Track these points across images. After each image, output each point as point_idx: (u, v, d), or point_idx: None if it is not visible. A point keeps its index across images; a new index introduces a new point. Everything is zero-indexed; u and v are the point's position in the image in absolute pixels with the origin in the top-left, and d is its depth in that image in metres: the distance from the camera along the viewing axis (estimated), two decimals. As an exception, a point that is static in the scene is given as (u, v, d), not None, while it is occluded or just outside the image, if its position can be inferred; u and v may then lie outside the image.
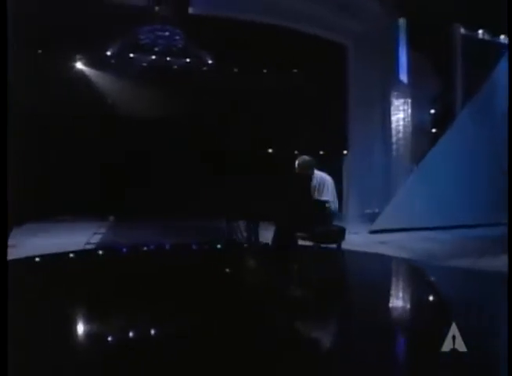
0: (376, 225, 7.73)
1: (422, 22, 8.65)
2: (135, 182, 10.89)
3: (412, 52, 9.13)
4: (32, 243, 6.60)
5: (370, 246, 6.94)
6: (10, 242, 6.46)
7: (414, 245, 6.82)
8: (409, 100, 8.85)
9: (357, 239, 7.65)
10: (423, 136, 9.15)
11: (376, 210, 8.35)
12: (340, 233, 4.18)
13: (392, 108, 8.92)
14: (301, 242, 4.17)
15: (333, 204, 4.24)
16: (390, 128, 8.86)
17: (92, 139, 11.23)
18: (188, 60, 12.56)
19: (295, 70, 12.63)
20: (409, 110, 8.87)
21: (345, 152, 9.32)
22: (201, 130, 12.39)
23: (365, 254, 5.62)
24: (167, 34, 11.73)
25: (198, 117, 12.41)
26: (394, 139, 8.84)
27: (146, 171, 11.25)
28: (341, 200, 9.47)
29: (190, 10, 8.69)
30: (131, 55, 12.16)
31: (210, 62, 12.73)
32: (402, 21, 9.28)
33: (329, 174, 9.58)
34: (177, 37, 11.86)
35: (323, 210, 3.95)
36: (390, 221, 7.60)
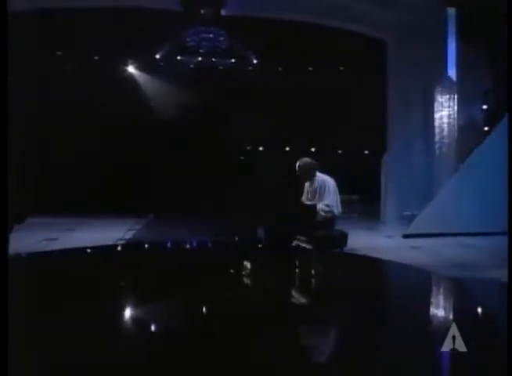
0: (411, 229, 7.32)
1: (472, 10, 8.05)
2: (187, 181, 11.15)
3: (461, 43, 8.51)
4: (72, 237, 7.09)
5: (400, 250, 6.62)
6: (51, 236, 6.98)
7: (448, 251, 6.38)
8: (455, 96, 8.25)
9: (388, 242, 7.33)
10: (473, 134, 8.51)
11: (416, 212, 7.91)
12: (342, 239, 4.02)
13: (436, 105, 8.38)
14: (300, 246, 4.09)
15: (336, 208, 4.08)
16: (433, 126, 8.34)
17: (146, 139, 11.82)
18: (233, 61, 12.76)
19: (341, 68, 12.36)
20: (455, 107, 8.27)
21: (385, 151, 8.94)
22: (249, 130, 12.53)
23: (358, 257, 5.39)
24: (211, 35, 12.01)
25: (244, 116, 12.51)
26: (437, 138, 8.31)
27: (189, 170, 11.57)
28: (379, 202, 9.13)
29: (223, 12, 8.76)
30: (179, 57, 12.58)
31: (255, 61, 12.82)
32: (450, 11, 8.67)
33: (369, 174, 9.27)
34: (221, 39, 12.09)
35: (314, 214, 3.82)
36: (426, 225, 7.16)
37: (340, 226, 8.91)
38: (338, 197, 4.17)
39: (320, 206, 3.97)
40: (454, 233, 6.91)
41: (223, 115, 12.58)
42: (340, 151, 11.89)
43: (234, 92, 12.41)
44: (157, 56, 12.44)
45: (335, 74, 11.57)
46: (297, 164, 4.10)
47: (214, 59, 12.66)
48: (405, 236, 7.36)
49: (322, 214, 3.93)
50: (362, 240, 7.35)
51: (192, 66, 12.82)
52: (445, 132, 8.36)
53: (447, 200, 7.22)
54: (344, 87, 10.85)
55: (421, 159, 8.52)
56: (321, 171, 4.19)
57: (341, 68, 11.88)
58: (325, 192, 4.00)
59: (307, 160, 4.15)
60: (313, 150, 11.61)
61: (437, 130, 8.40)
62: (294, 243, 4.02)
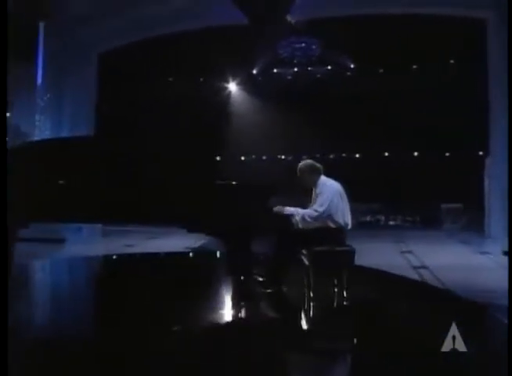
0: (513, 245, 5.90)
1: None
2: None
3: None
4: (149, 243, 7.67)
5: (486, 271, 5.44)
6: (129, 242, 7.63)
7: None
8: None
9: (477, 260, 6.10)
10: None
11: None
12: (346, 256, 3.40)
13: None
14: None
15: (341, 218, 3.46)
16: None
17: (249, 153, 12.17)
18: (329, 67, 12.38)
19: (451, 61, 10.94)
20: None
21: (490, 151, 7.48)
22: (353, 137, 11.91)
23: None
24: (303, 45, 11.88)
25: (347, 122, 11.96)
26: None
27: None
28: (483, 211, 7.67)
29: (289, 17, 8.56)
30: (275, 70, 12.71)
31: (352, 66, 12.21)
32: None
33: (475, 178, 7.89)
34: (313, 47, 11.86)
35: (285, 222, 3.30)
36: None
37: (430, 239, 7.83)
38: (346, 205, 3.58)
39: (306, 211, 3.46)
40: None
41: (327, 123, 12.19)
42: (447, 154, 10.39)
43: (335, 98, 11.97)
44: (254, 71, 12.79)
45: (438, 69, 10.27)
46: (299, 166, 3.66)
47: (309, 68, 12.46)
48: (506, 254, 5.99)
49: (308, 220, 3.41)
50: (444, 257, 6.27)
51: (289, 77, 12.81)
52: None
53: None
54: (445, 81, 9.55)
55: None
56: (328, 176, 3.66)
57: (447, 62, 10.49)
58: (317, 198, 3.48)
59: (309, 162, 3.68)
60: (416, 154, 10.41)
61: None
62: (299, 257, 3.60)
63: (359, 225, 9.67)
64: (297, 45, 11.86)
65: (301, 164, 3.66)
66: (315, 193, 3.60)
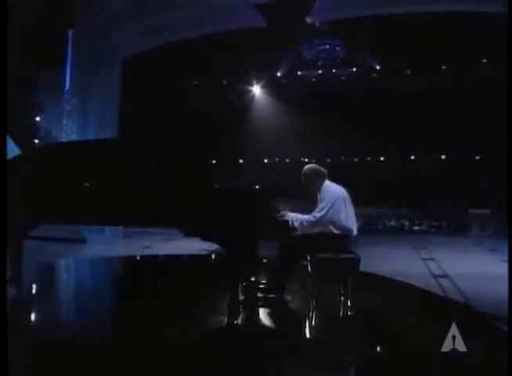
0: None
1: None
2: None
3: None
4: (166, 245, 7.73)
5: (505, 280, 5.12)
6: (146, 244, 7.74)
7: None
8: None
9: (502, 269, 5.75)
10: None
11: None
12: (350, 263, 3.27)
13: None
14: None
15: (344, 222, 3.34)
16: None
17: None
18: (354, 69, 12.15)
19: (484, 60, 10.51)
20: None
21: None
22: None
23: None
24: (327, 47, 11.73)
25: (373, 125, 11.71)
26: None
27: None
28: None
29: (312, 19, 8.44)
30: (299, 72, 12.60)
31: (378, 67, 11.94)
32: None
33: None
34: (337, 48, 11.69)
35: (283, 227, 3.18)
36: None
37: (456, 246, 7.49)
38: (351, 211, 3.45)
39: (305, 216, 3.35)
40: None
41: (353, 125, 11.99)
42: (477, 157, 9.94)
43: (361, 101, 11.74)
44: (278, 74, 12.72)
45: (468, 68, 9.88)
46: (303, 171, 3.56)
47: (334, 70, 12.28)
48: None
49: (306, 225, 3.30)
50: (467, 265, 5.98)
51: (314, 80, 12.66)
52: None
53: None
54: (476, 81, 9.17)
55: None
56: (333, 181, 3.54)
57: (479, 61, 10.06)
58: (319, 203, 3.37)
59: (313, 166, 3.57)
60: (443, 157, 10.02)
61: None
62: (302, 264, 3.52)
63: (381, 231, 9.44)
64: (321, 47, 11.71)
65: (305, 168, 3.56)
66: (319, 199, 3.50)
